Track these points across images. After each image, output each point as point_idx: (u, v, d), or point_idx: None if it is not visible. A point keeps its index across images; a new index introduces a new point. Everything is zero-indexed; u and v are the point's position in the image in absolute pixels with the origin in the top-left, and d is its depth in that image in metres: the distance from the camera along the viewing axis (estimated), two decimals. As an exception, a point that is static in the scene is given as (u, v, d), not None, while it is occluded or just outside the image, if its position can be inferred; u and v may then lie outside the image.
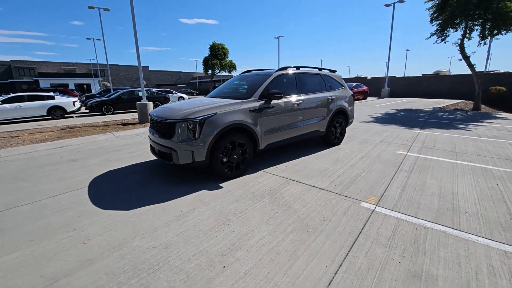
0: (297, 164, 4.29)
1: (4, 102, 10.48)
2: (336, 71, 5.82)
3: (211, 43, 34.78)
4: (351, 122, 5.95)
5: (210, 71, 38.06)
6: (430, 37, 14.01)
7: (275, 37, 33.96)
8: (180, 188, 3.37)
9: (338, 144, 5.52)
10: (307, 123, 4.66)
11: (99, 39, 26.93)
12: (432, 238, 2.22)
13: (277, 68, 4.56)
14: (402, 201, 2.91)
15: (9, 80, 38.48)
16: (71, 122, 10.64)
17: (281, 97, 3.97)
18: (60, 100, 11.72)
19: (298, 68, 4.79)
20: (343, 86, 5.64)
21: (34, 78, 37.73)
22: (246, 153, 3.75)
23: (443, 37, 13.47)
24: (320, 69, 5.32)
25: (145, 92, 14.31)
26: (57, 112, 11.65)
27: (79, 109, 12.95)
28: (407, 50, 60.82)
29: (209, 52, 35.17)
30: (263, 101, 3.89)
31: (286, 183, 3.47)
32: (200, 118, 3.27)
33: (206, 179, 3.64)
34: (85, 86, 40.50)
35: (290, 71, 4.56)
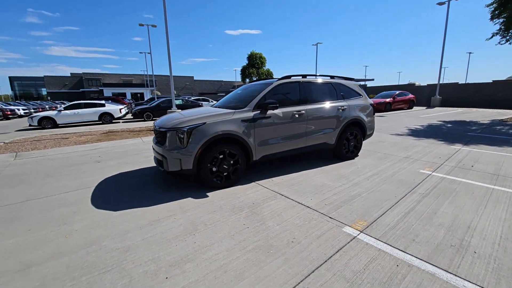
0: (296, 177, 4.06)
1: (66, 108, 12.45)
2: (353, 79, 5.42)
3: (250, 53, 35.93)
4: (370, 134, 5.42)
5: (247, 80, 39.20)
6: (491, 37, 12.16)
7: (313, 44, 33.16)
8: (169, 194, 3.48)
9: (351, 158, 5.07)
10: (312, 135, 4.40)
11: (149, 53, 30.09)
12: (412, 280, 1.84)
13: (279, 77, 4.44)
14: (396, 230, 2.50)
15: (81, 89, 45.68)
16: (114, 127, 12.04)
17: (276, 107, 3.85)
18: (109, 107, 13.41)
19: (304, 76, 4.60)
20: (360, 95, 5.20)
21: (100, 88, 44.07)
22: (237, 163, 3.71)
23: (508, 37, 11.55)
24: (332, 77, 5.01)
25: (180, 100, 15.44)
26: (106, 118, 13.35)
27: (125, 115, 14.62)
28: (469, 53, 53.10)
29: (247, 62, 36.36)
30: (258, 111, 3.82)
31: (273, 197, 3.31)
32: (188, 127, 3.37)
33: (197, 187, 3.70)
34: (138, 95, 45.60)
35: (294, 80, 4.40)
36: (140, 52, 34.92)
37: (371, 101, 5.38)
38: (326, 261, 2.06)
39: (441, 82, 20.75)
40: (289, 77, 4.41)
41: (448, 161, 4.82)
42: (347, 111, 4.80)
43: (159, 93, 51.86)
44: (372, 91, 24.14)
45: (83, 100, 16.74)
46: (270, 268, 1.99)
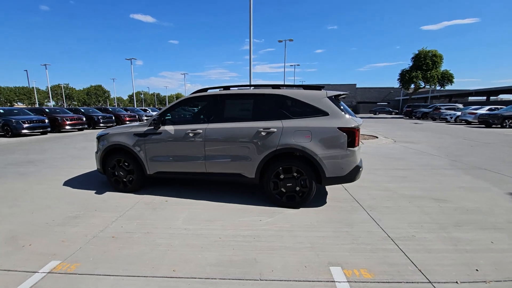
0: (181, 204, 3.62)
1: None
2: (321, 87, 3.52)
3: (417, 51, 28.10)
4: (341, 179, 3.28)
5: (413, 86, 31.23)
6: None
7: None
8: (97, 188, 4.53)
9: (292, 206, 3.39)
10: (214, 160, 3.59)
11: (299, 64, 32.82)
12: None
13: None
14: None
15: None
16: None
17: (155, 124, 3.74)
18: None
19: (227, 88, 3.77)
20: (324, 113, 3.29)
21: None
22: (133, 173, 4.00)
23: None
24: (276, 86, 3.62)
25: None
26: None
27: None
28: None
29: (410, 63, 28.82)
30: (152, 127, 3.83)
31: (117, 212, 3.34)
32: (98, 135, 4.23)
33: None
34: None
35: (208, 93, 3.79)
36: (291, 65, 39.25)
37: (349, 123, 3.20)
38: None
39: None
40: (205, 90, 3.87)
41: (482, 268, 1.92)
42: (275, 136, 3.31)
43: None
44: None
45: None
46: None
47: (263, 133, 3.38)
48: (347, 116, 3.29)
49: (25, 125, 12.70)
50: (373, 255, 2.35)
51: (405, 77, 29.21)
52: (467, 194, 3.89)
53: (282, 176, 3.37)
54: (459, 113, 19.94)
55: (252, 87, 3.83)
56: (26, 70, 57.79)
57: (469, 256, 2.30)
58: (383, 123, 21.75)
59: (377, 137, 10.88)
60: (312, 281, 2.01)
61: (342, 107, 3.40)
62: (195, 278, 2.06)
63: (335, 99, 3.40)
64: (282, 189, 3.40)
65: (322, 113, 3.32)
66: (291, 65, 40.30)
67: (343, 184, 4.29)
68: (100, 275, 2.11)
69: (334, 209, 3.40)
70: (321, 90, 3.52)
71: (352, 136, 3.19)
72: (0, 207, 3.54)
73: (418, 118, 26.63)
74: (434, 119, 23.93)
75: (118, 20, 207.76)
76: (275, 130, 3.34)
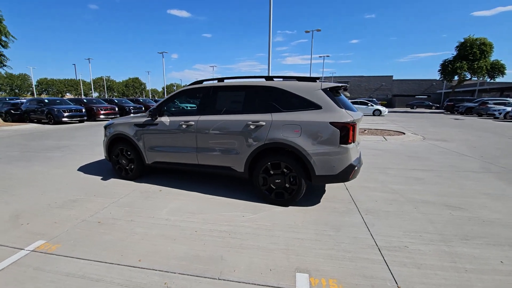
0: (169, 193, 3.68)
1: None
2: (316, 79, 3.23)
3: (462, 40, 24.80)
4: (333, 178, 3.01)
5: (456, 78, 27.94)
6: None
7: None
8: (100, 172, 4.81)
9: (281, 204, 3.24)
10: (204, 152, 3.55)
11: (328, 55, 31.30)
12: None
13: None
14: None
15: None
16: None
17: (152, 115, 3.82)
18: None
19: (221, 80, 3.66)
20: (316, 106, 3.02)
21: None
22: (134, 162, 4.16)
23: None
24: (269, 78, 3.40)
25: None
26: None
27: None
28: None
29: (454, 53, 25.58)
30: (150, 118, 3.90)
31: (113, 198, 3.51)
32: (105, 124, 4.42)
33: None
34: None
35: (203, 85, 3.72)
36: (320, 56, 37.34)
37: (343, 118, 2.90)
38: (-24, 246, 2.40)
39: None
40: (200, 81, 3.80)
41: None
42: (263, 130, 3.14)
43: (347, 94, 52.19)
44: None
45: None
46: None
47: (252, 126, 3.23)
48: (342, 110, 2.99)
49: (65, 114, 14.03)
50: (350, 264, 2.12)
51: (448, 68, 26.05)
52: (490, 203, 3.35)
53: (271, 172, 3.22)
54: (509, 109, 17.40)
55: (246, 79, 3.67)
56: (74, 64, 64.19)
57: (466, 276, 1.97)
58: (419, 118, 19.92)
59: (404, 133, 9.97)
60: (272, 286, 1.88)
61: (339, 100, 3.10)
62: (156, 270, 2.06)
63: (331, 92, 3.11)
64: (271, 185, 3.26)
65: (314, 106, 3.06)
66: (320, 56, 38.39)
67: (345, 183, 4.00)
68: (73, 257, 2.22)
69: (325, 209, 3.17)
70: (315, 82, 3.24)
71: (345, 131, 2.89)
72: (18, 188, 3.94)
73: (461, 114, 23.85)
74: (480, 115, 21.22)
75: (156, 16, 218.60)
76: (264, 123, 3.18)
